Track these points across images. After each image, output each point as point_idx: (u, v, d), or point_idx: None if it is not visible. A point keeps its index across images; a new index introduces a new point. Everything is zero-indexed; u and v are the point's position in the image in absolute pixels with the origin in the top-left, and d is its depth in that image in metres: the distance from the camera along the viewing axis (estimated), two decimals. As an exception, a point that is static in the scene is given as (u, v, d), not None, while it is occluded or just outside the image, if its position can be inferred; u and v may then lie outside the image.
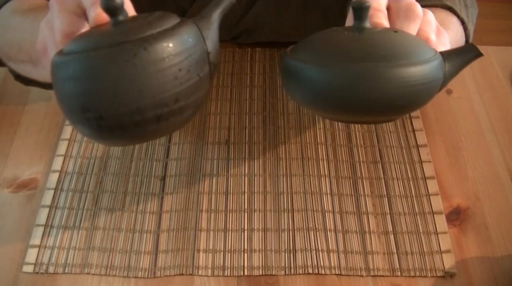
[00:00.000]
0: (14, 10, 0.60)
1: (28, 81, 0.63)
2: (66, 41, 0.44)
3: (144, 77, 0.40)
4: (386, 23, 0.47)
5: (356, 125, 0.66)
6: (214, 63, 0.47)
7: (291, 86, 0.48)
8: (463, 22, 0.62)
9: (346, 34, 0.46)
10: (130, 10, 0.46)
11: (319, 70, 0.44)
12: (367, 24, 0.46)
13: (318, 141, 0.65)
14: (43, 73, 0.55)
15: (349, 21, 0.49)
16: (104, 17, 0.44)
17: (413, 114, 0.68)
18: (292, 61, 0.47)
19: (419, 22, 0.48)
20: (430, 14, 0.50)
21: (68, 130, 0.66)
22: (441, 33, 0.51)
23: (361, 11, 0.45)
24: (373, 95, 0.43)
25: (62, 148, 0.65)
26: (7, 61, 0.62)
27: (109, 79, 0.40)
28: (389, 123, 0.67)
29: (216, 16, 0.48)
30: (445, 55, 0.47)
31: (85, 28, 0.46)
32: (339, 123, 0.67)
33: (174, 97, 0.42)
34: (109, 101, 0.40)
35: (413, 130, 0.66)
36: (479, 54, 0.47)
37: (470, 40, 0.64)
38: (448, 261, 0.55)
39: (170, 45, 0.41)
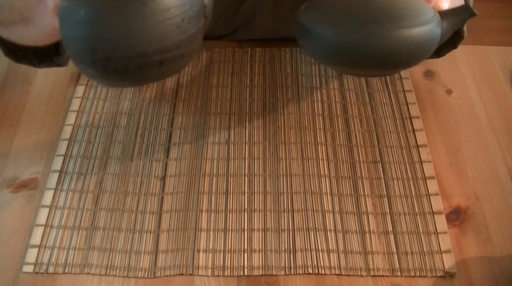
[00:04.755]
0: None
1: (19, 57, 0.62)
2: None
3: (152, 25, 0.44)
4: None
5: (356, 125, 0.66)
6: (208, 17, 0.51)
7: (305, 44, 0.53)
8: None
9: None
10: None
11: (331, 32, 0.50)
12: None
13: (318, 141, 0.65)
14: (35, 32, 0.56)
15: None
16: None
17: (413, 114, 0.68)
18: (306, 21, 0.52)
19: None
20: None
21: (68, 130, 0.66)
22: None
23: None
24: (380, 54, 0.49)
25: (62, 147, 0.65)
26: None
27: (120, 24, 0.43)
28: (389, 123, 0.67)
29: None
30: (443, 14, 0.53)
31: None
32: (339, 123, 0.67)
33: (176, 45, 0.46)
34: (118, 44, 0.44)
35: (413, 130, 0.66)
36: (473, 14, 0.53)
37: (471, 3, 0.64)
38: (448, 261, 0.55)
39: None
